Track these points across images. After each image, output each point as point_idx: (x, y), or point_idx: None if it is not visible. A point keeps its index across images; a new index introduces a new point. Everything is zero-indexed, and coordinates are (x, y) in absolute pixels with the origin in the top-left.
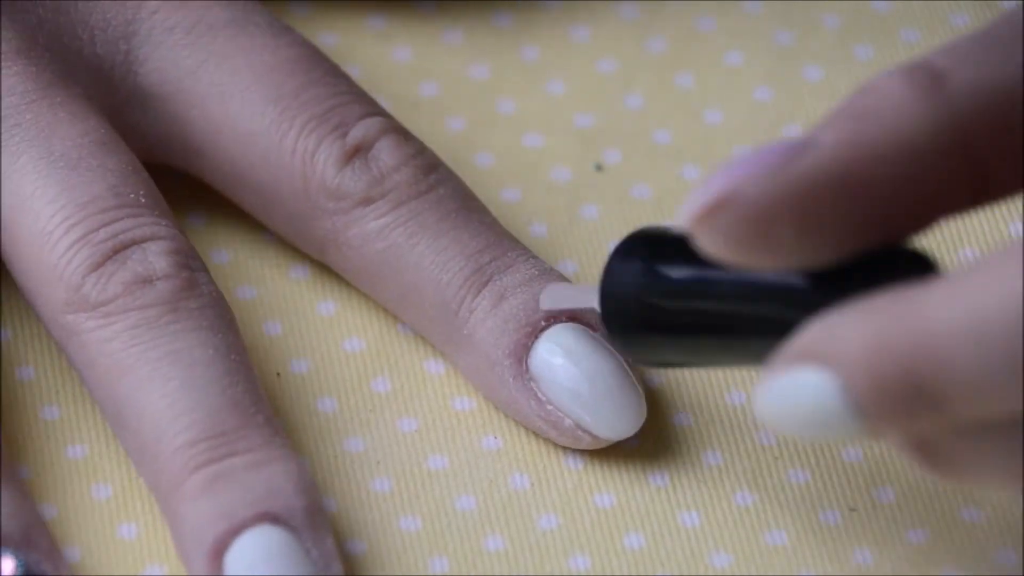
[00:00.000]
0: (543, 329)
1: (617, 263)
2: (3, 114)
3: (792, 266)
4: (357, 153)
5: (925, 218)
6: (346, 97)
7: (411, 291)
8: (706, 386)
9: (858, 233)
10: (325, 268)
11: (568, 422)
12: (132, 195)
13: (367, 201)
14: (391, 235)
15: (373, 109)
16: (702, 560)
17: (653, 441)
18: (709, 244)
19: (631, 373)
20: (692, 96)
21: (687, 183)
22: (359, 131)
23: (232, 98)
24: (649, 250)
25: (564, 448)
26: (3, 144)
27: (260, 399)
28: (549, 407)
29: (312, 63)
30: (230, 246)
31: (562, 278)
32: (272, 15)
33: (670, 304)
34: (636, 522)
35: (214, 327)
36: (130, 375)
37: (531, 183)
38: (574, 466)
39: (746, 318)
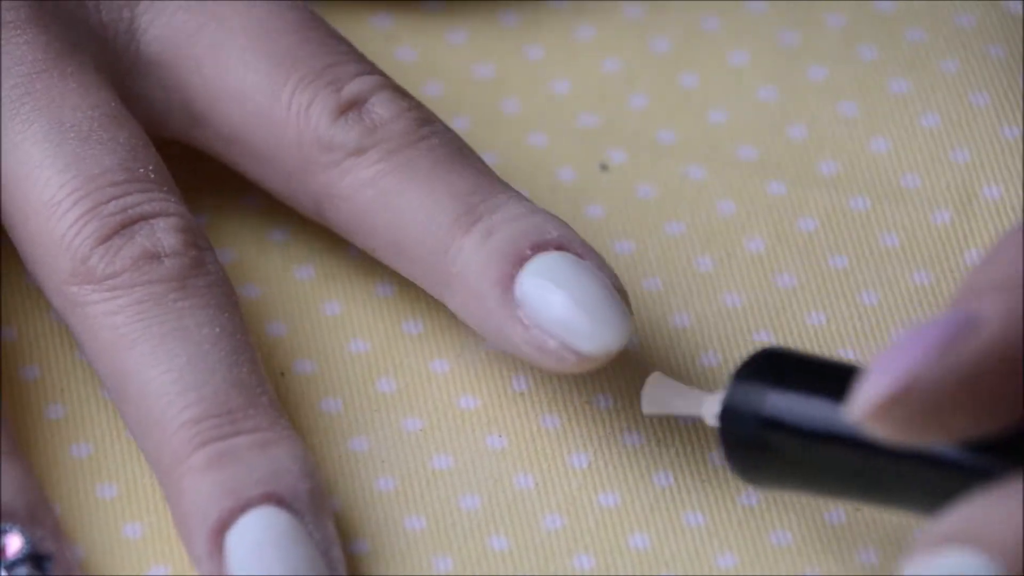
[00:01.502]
0: (528, 258)
1: (745, 385)
2: (14, 83)
3: (957, 439)
4: (352, 107)
5: None
6: (343, 56)
7: (402, 236)
8: (711, 385)
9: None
10: (330, 268)
11: (552, 343)
12: (142, 170)
13: (359, 151)
14: (382, 182)
15: (370, 68)
16: (707, 560)
17: (657, 441)
18: (882, 431)
19: (616, 293)
20: (696, 96)
21: (692, 183)
22: (355, 86)
23: (229, 57)
24: (782, 374)
25: (569, 447)
26: (14, 113)
27: (264, 380)
28: (534, 331)
29: (311, 25)
30: (235, 245)
31: (554, 216)
32: None
33: (796, 440)
34: (641, 522)
35: (221, 306)
36: (135, 349)
37: (535, 183)
38: (578, 465)
39: (878, 468)
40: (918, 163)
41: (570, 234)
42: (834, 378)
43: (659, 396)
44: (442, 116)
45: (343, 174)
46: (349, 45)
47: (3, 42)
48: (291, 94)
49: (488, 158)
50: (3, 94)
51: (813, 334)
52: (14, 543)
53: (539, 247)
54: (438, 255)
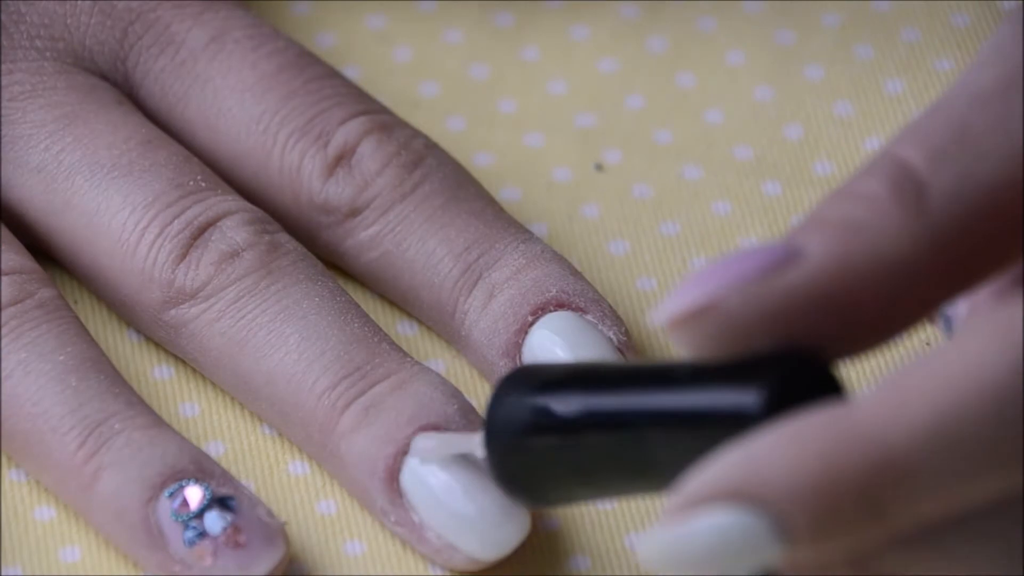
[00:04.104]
0: (532, 324)
1: (501, 400)
2: (45, 145)
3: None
4: (340, 161)
5: (898, 326)
6: (328, 103)
7: (410, 295)
8: None
9: (829, 342)
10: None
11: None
12: (191, 182)
13: (354, 213)
14: (382, 243)
15: (356, 109)
16: None
17: None
18: (681, 344)
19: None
20: (692, 96)
21: (687, 183)
22: (340, 137)
23: (218, 121)
24: (535, 384)
25: None
26: (55, 173)
27: (377, 329)
28: None
29: (294, 71)
30: None
31: (556, 257)
32: (256, 22)
33: (564, 437)
34: (636, 522)
35: (311, 277)
36: (248, 345)
37: (532, 183)
38: None
39: (648, 446)
40: None
41: (568, 286)
42: (589, 371)
43: (427, 448)
44: (438, 116)
45: (344, 236)
46: (335, 83)
47: (21, 114)
48: (280, 156)
49: (484, 158)
50: (38, 158)
51: None
52: (194, 494)
53: (540, 308)
54: (445, 316)
